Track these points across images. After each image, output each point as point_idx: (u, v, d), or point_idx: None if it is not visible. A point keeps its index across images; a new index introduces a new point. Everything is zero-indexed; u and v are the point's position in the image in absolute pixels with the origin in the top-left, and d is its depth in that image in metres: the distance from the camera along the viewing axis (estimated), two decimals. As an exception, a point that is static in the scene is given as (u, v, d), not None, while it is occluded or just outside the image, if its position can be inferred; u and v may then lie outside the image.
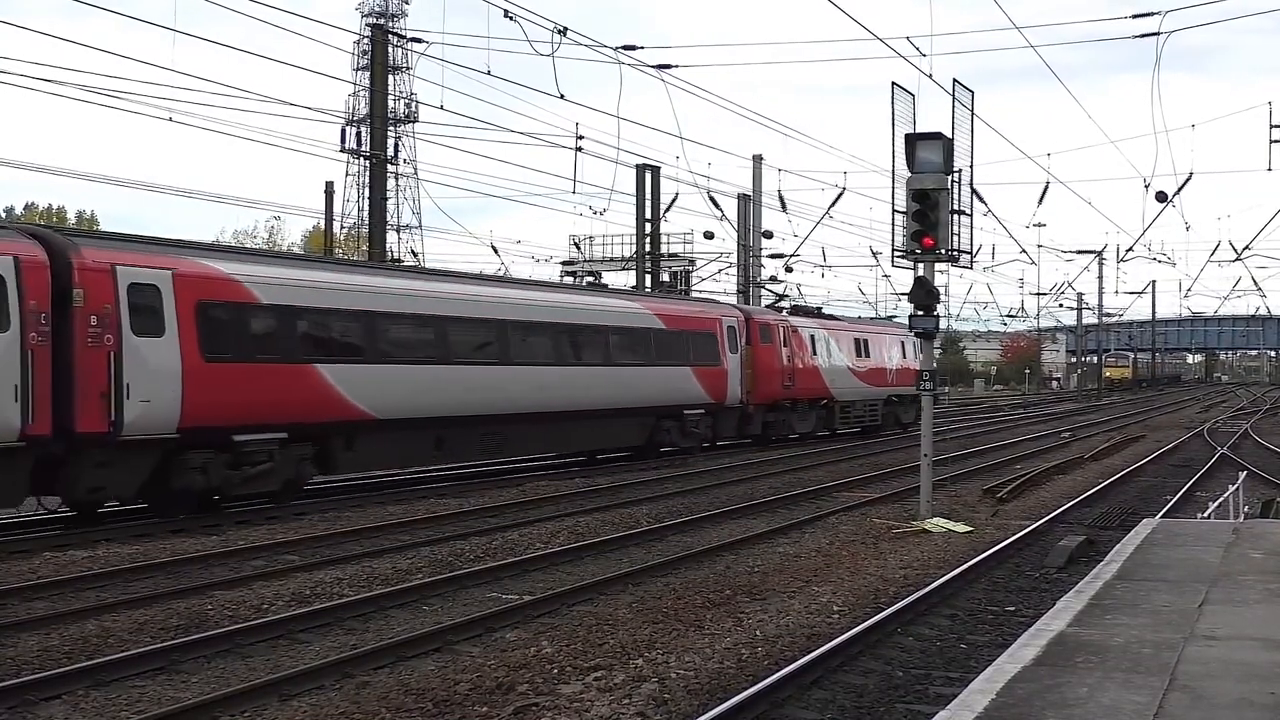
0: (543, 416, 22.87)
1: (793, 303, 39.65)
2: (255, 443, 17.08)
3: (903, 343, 38.32)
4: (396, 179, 55.94)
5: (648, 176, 38.56)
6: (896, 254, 17.37)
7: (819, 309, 38.16)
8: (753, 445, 30.84)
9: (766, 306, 37.46)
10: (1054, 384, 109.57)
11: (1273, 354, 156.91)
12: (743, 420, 30.04)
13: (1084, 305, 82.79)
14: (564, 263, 50.65)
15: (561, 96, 23.60)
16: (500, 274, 36.47)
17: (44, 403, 14.50)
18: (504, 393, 21.76)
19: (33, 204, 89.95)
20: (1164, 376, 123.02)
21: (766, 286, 45.51)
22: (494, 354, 21.89)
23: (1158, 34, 20.80)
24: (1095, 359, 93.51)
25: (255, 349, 17.39)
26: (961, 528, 16.35)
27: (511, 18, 20.52)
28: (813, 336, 33.56)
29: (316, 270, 19.69)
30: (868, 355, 36.77)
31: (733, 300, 40.23)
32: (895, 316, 47.53)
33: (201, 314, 16.49)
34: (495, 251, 44.86)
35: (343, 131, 32.47)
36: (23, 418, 14.24)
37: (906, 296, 18.77)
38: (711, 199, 40.20)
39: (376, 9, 72.71)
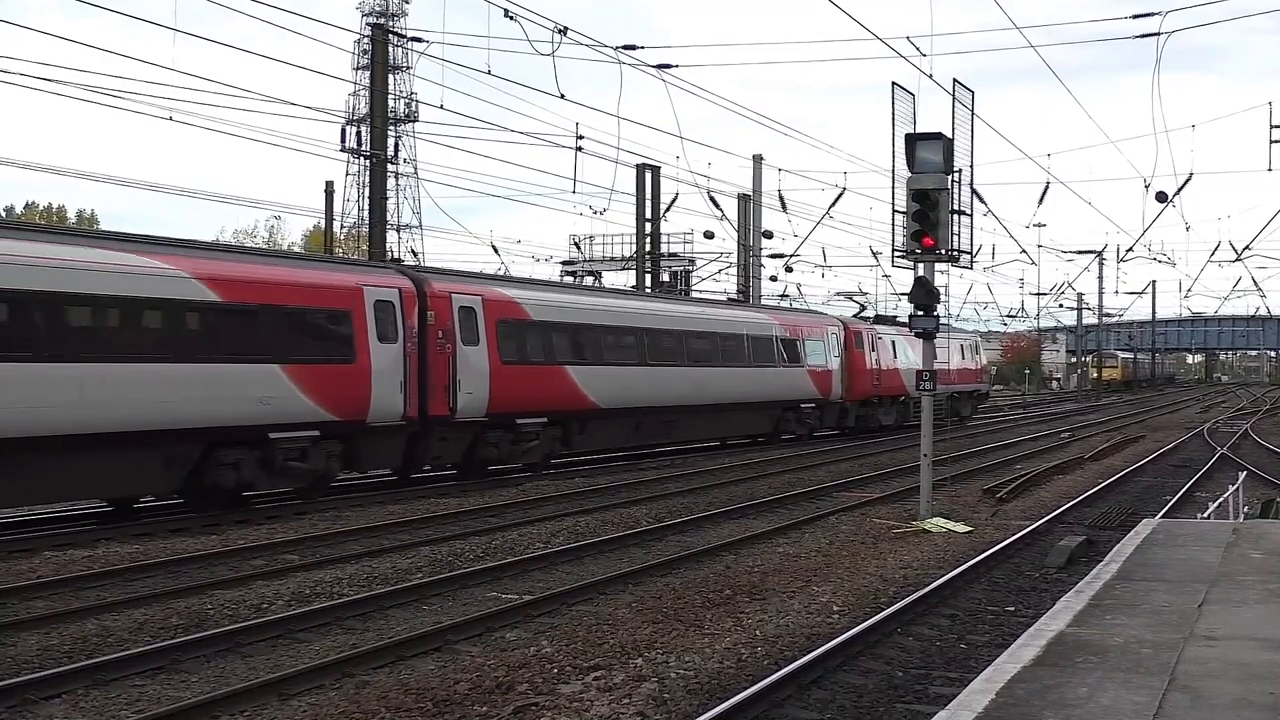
0: (705, 408, 28.29)
1: (875, 313, 44.99)
2: (529, 425, 22.28)
3: (962, 346, 44.20)
4: (396, 178, 55.92)
5: (648, 176, 38.56)
6: (897, 254, 17.38)
7: (894, 317, 42.93)
8: (847, 435, 35.62)
9: (853, 316, 41.33)
10: (1054, 384, 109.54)
11: (1273, 354, 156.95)
12: (841, 414, 35.35)
13: (1084, 305, 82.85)
14: (564, 262, 50.65)
15: (562, 96, 23.63)
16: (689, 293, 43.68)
17: (414, 394, 19.51)
18: (681, 389, 27.09)
19: (33, 203, 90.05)
20: (1159, 376, 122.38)
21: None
22: (675, 358, 27.30)
23: (1158, 34, 20.83)
24: (1092, 359, 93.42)
25: (529, 354, 22.53)
26: (961, 528, 16.36)
27: (512, 17, 20.53)
28: (894, 342, 38.10)
29: (562, 293, 26.56)
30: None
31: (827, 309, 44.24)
32: (896, 316, 48.08)
33: (499, 328, 21.57)
34: (495, 251, 44.88)
35: (343, 131, 32.43)
36: (404, 405, 19.26)
37: (907, 296, 18.77)
38: (711, 199, 40.24)
39: (377, 8, 72.77)
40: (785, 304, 45.14)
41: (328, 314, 18.48)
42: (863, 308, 45.92)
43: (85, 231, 19.41)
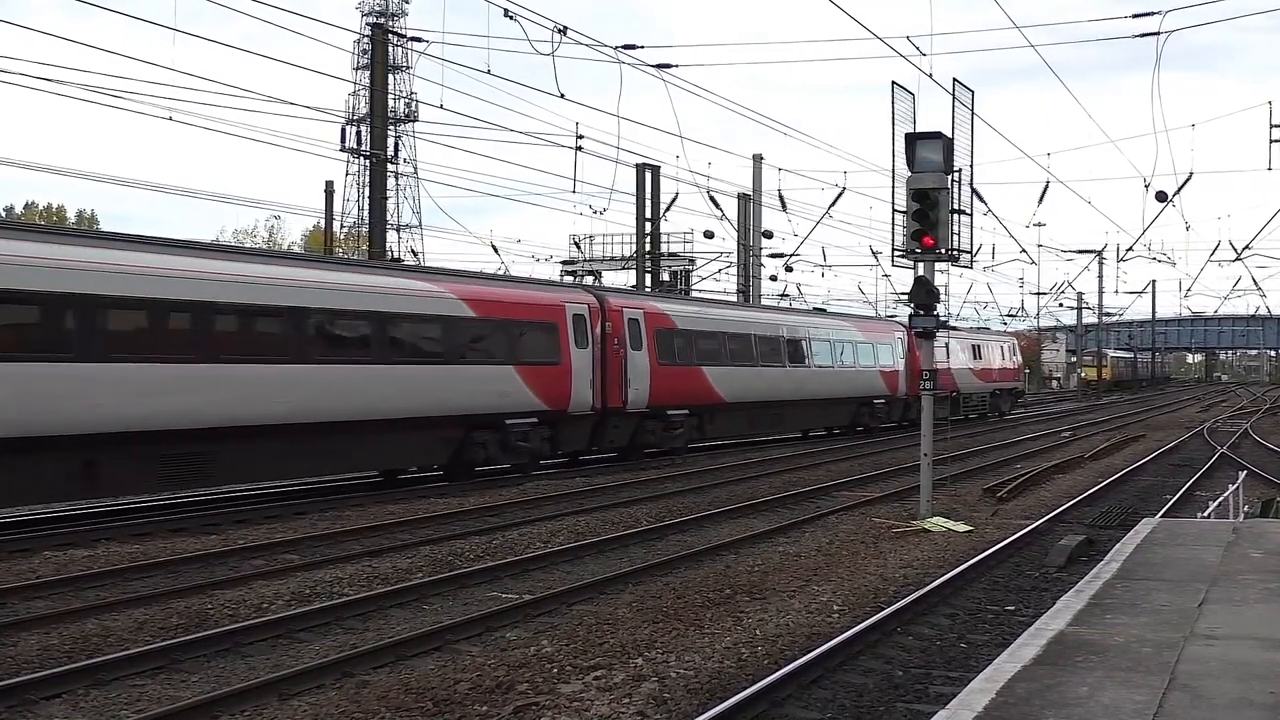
0: (803, 403, 33.11)
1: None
2: (676, 415, 27.04)
3: (1002, 347, 50.11)
4: (396, 178, 55.91)
5: (648, 176, 38.55)
6: (897, 253, 17.37)
7: (946, 321, 44.88)
8: (908, 427, 37.73)
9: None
10: (1054, 383, 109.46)
11: (1272, 353, 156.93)
12: (904, 408, 39.08)
13: (1084, 305, 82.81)
14: (564, 262, 50.68)
15: (562, 96, 23.63)
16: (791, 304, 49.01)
17: (598, 389, 24.15)
18: (787, 386, 31.97)
19: (33, 203, 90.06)
20: (1151, 376, 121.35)
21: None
22: (782, 360, 32.03)
23: (1158, 34, 20.84)
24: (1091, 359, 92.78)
25: (677, 357, 27.13)
26: (961, 527, 16.35)
27: (511, 17, 20.53)
28: (948, 344, 41.88)
29: (699, 305, 31.39)
30: (980, 357, 47.13)
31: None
32: (895, 316, 49.04)
33: (657, 336, 26.31)
34: (495, 251, 44.99)
35: (343, 131, 32.45)
36: (593, 398, 24.00)
37: (907, 296, 18.76)
38: (711, 198, 40.27)
39: (377, 8, 72.78)
40: (830, 307, 49.66)
41: (543, 326, 23.16)
42: (782, 296, 51.81)
43: (386, 264, 25.74)
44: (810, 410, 34.14)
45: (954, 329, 44.62)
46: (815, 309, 43.66)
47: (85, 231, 20.39)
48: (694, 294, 45.08)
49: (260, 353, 17.55)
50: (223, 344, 16.97)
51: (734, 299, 42.92)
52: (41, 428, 14.47)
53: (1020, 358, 55.82)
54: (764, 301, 44.05)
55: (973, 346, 46.44)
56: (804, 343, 33.41)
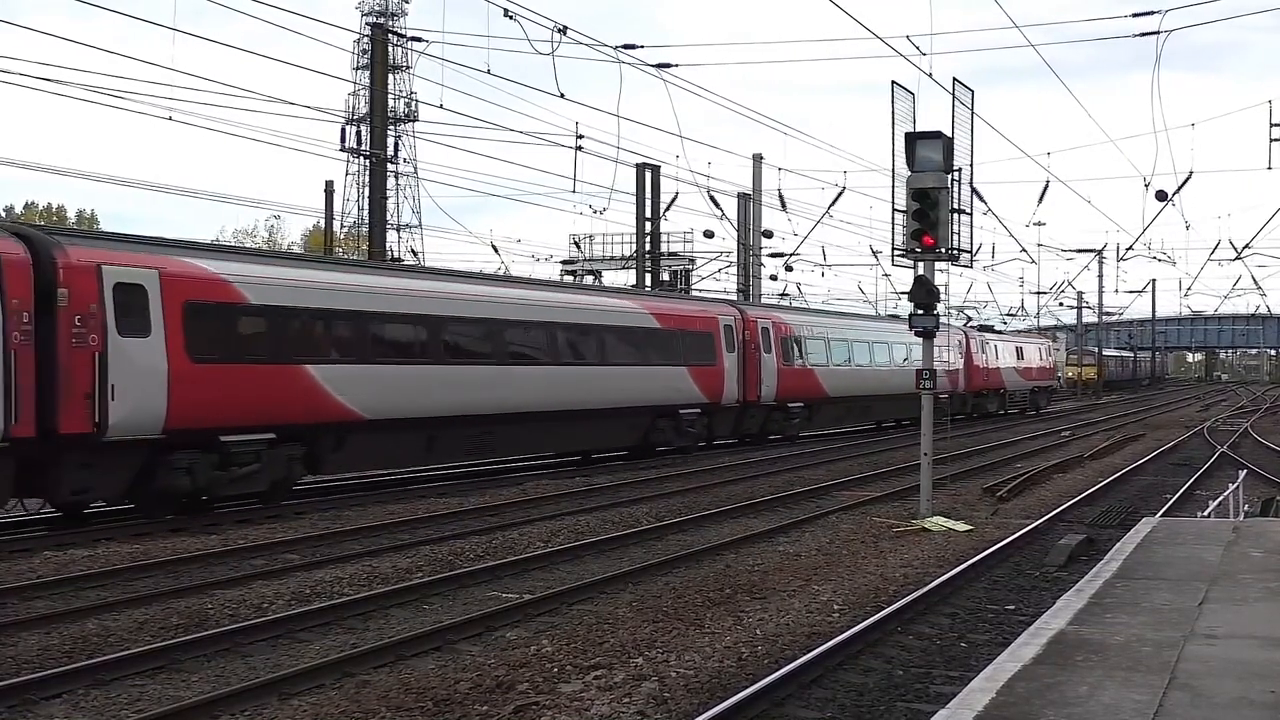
0: (885, 397, 37.85)
1: (979, 323, 55.93)
2: (795, 408, 32.62)
3: (1040, 349, 56.35)
4: (396, 178, 55.99)
5: (648, 176, 38.54)
6: (897, 253, 17.37)
7: (993, 326, 56.14)
8: (964, 420, 45.04)
9: (965, 325, 52.89)
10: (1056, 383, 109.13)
11: (1272, 353, 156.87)
12: (962, 402, 45.39)
13: (1084, 304, 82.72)
14: (564, 262, 50.70)
15: (561, 96, 23.65)
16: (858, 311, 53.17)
17: (741, 386, 29.62)
18: (872, 383, 37.30)
19: (33, 203, 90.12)
20: (1146, 376, 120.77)
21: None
22: (871, 359, 37.45)
23: (1158, 33, 20.85)
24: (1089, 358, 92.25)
25: (796, 360, 32.68)
26: (962, 526, 16.35)
27: (511, 17, 20.55)
28: (996, 346, 49.68)
29: (800, 315, 36.51)
30: (1023, 358, 53.06)
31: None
32: (994, 325, 51.13)
33: (782, 343, 31.76)
34: (495, 251, 45.02)
35: (343, 131, 32.51)
36: (739, 393, 29.57)
37: (907, 295, 18.76)
38: (711, 198, 40.27)
39: (376, 8, 72.71)
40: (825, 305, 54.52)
41: (705, 334, 28.42)
42: (969, 319, 58.09)
43: (598, 287, 34.65)
44: (892, 404, 38.83)
45: (999, 333, 53.63)
46: (891, 315, 50.31)
47: (433, 269, 28.21)
48: (805, 303, 51.26)
49: (531, 358, 23.11)
50: (508, 352, 22.43)
51: (846, 308, 51.17)
52: (398, 411, 19.68)
53: (1054, 359, 61.68)
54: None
55: (1016, 348, 52.69)
56: (889, 346, 38.88)
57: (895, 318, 46.34)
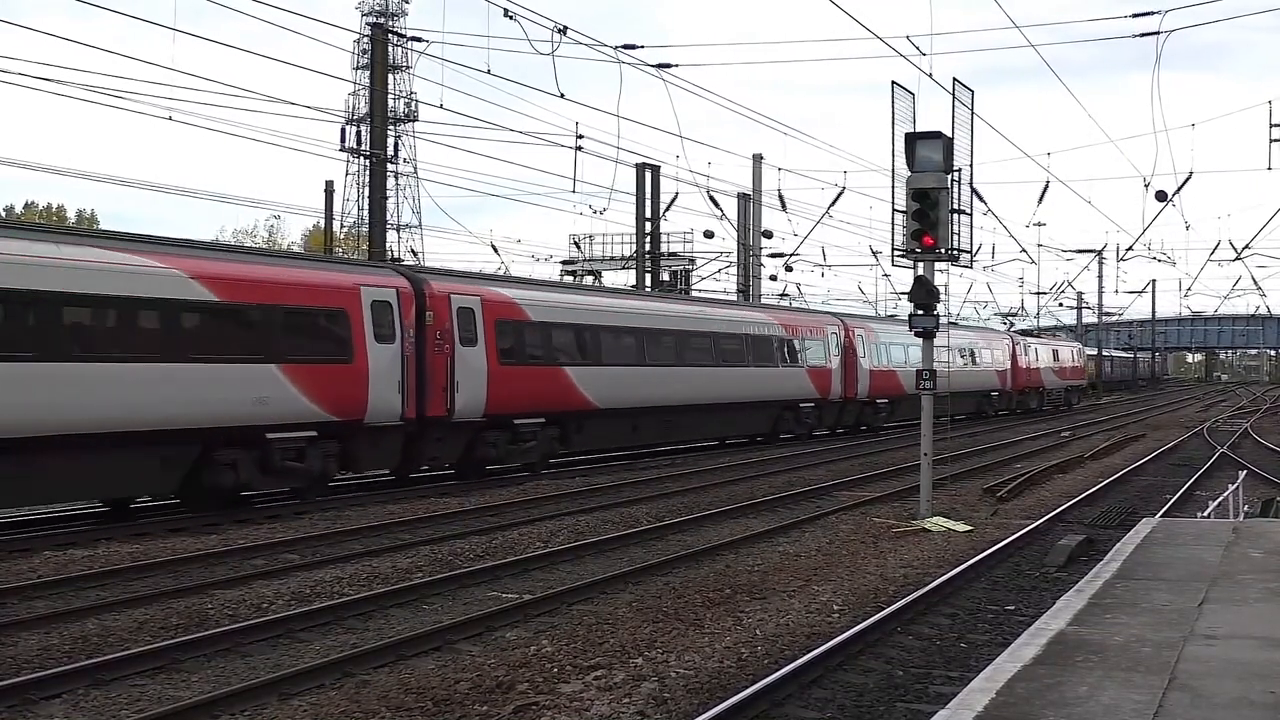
0: (956, 394, 39.68)
1: (1020, 326, 64.53)
2: (881, 403, 37.88)
3: (1073, 351, 63.42)
4: (396, 178, 55.95)
5: (648, 176, 38.53)
6: (897, 253, 17.37)
7: (1032, 329, 64.67)
8: (1008, 416, 50.51)
9: (1008, 328, 60.92)
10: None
11: (1272, 353, 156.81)
12: (1008, 400, 51.37)
13: (1084, 304, 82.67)
14: (564, 262, 50.65)
15: (561, 96, 23.63)
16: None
17: (843, 384, 35.46)
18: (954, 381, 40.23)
19: (32, 203, 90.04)
20: (1152, 376, 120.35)
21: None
22: (964, 362, 44.11)
23: (1158, 33, 20.84)
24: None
25: (882, 362, 37.92)
26: (961, 527, 16.35)
27: (511, 17, 20.53)
28: (1036, 349, 55.78)
29: (889, 324, 41.47)
30: (1058, 359, 58.96)
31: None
32: (895, 315, 50.15)
33: (871, 348, 36.86)
34: (495, 251, 45.00)
35: (343, 131, 32.49)
36: (841, 390, 35.37)
37: (907, 296, 18.76)
38: (711, 198, 40.25)
39: (376, 8, 72.62)
40: (866, 310, 58.77)
41: (818, 341, 34.19)
42: (1011, 324, 65.39)
43: (742, 302, 39.48)
44: (963, 399, 44.42)
45: (1037, 336, 60.16)
46: (951, 323, 56.92)
47: (636, 291, 35.71)
48: (805, 303, 53.97)
49: (701, 362, 28.36)
50: (686, 357, 27.72)
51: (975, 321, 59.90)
52: (618, 401, 24.98)
53: (1084, 360, 67.30)
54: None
55: (1053, 351, 58.80)
56: (950, 350, 43.85)
57: (953, 324, 51.39)
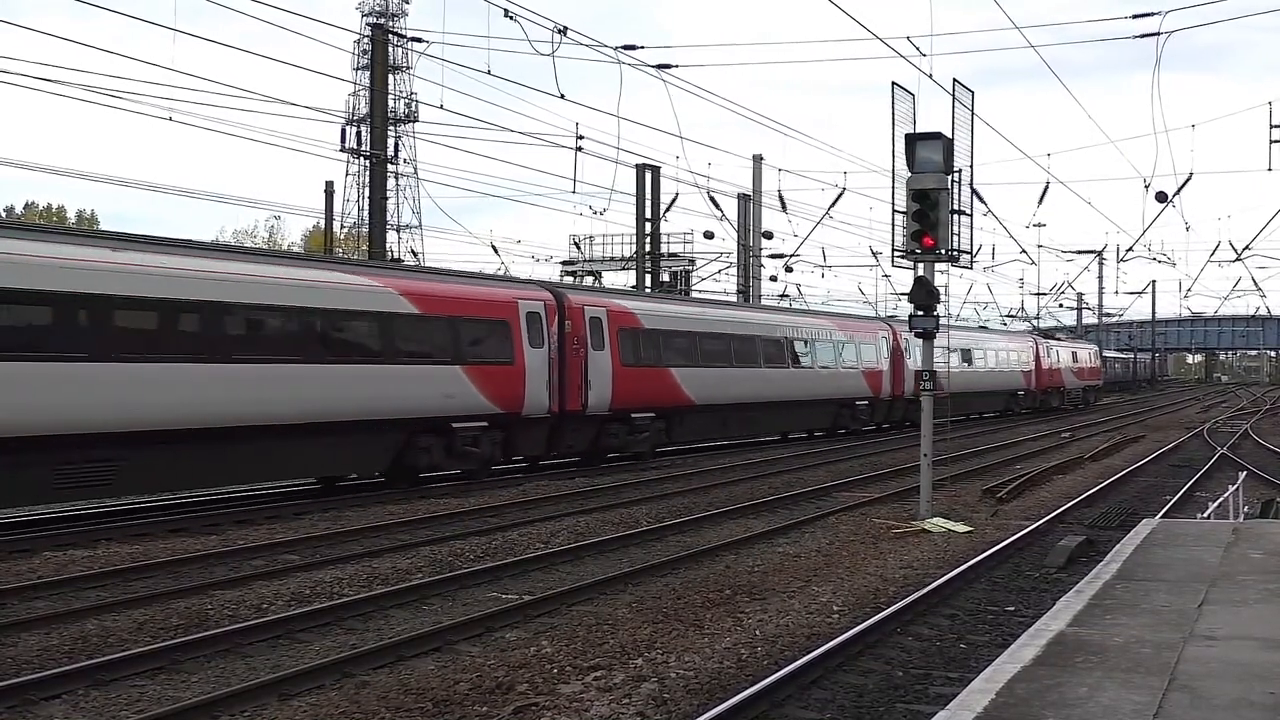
0: (981, 394, 45.87)
1: (1042, 329, 66.67)
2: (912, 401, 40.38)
3: (1090, 353, 66.78)
4: (396, 178, 55.92)
5: (648, 176, 38.55)
6: (896, 254, 17.36)
7: (1053, 331, 67.14)
8: (1030, 414, 52.35)
9: (1031, 330, 63.38)
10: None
11: (1273, 354, 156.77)
12: (1031, 398, 53.86)
13: (1084, 305, 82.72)
14: (564, 262, 50.66)
15: (561, 96, 23.64)
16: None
17: (892, 385, 38.77)
18: (977, 379, 45.22)
19: (33, 203, 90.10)
20: (1152, 377, 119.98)
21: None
22: (968, 362, 44.70)
23: (1158, 34, 20.86)
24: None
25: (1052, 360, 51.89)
26: (961, 528, 16.35)
27: (511, 17, 20.54)
28: (1057, 352, 58.60)
29: (958, 330, 44.62)
30: (1077, 360, 62.23)
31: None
32: (895, 315, 49.71)
33: (907, 349, 38.17)
34: (495, 251, 44.97)
35: (343, 131, 32.47)
36: (900, 390, 38.62)
37: (907, 296, 18.76)
38: (711, 199, 40.30)
39: (377, 8, 72.65)
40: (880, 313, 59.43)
41: (871, 344, 37.41)
42: (1034, 327, 67.92)
43: (800, 310, 43.13)
44: (988, 399, 48.10)
45: (1058, 339, 62.66)
46: (981, 326, 59.03)
47: (724, 301, 40.12)
48: (805, 304, 55.94)
49: (776, 363, 31.80)
50: (765, 359, 31.22)
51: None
52: (713, 399, 28.48)
53: (1099, 361, 70.52)
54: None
55: (1072, 352, 61.81)
56: (985, 352, 47.37)
57: (985, 329, 56.56)
